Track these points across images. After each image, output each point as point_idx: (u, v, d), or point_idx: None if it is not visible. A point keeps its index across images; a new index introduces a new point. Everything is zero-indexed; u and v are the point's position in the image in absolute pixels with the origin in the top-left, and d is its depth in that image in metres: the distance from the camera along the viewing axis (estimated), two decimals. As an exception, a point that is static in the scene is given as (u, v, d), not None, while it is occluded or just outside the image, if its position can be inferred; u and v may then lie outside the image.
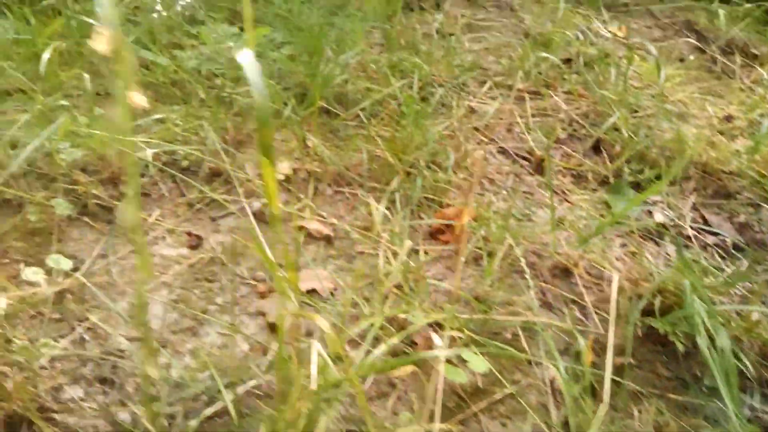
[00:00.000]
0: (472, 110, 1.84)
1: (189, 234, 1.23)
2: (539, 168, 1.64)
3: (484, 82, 1.95)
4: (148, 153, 1.23)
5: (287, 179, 1.44)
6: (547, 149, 1.66)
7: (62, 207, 1.16)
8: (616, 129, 1.73)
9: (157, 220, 1.25)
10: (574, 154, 1.70)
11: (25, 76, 1.54)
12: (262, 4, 2.09)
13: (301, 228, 1.28)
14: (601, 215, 1.49)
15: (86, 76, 1.33)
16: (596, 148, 1.72)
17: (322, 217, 1.35)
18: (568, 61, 2.08)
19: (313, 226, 1.31)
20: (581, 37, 2.17)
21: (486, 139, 1.72)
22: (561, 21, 2.20)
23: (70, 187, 1.22)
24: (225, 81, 1.67)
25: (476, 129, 1.74)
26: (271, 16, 2.07)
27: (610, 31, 2.26)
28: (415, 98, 1.65)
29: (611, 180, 1.62)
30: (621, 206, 1.51)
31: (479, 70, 2.00)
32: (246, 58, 0.50)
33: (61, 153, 1.25)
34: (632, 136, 1.70)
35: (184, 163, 1.37)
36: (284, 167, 1.46)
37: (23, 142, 1.23)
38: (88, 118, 1.32)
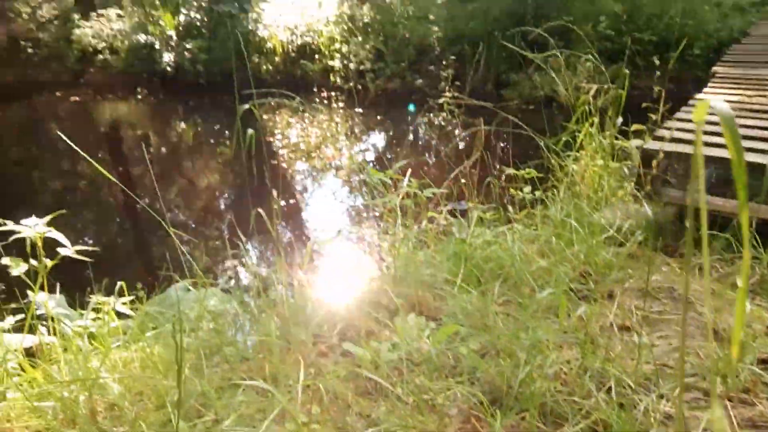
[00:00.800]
0: (669, 417, 1.75)
1: None
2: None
3: (677, 385, 1.88)
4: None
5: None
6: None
7: None
8: None
9: None
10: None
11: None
12: (446, 294, 2.28)
13: None
14: None
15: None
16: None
17: None
18: (764, 361, 1.98)
19: None
20: (772, 336, 2.08)
21: (696, 459, 1.59)
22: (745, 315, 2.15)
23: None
24: (423, 379, 1.77)
25: (681, 444, 1.63)
26: (453, 306, 2.24)
27: (802, 328, 2.16)
28: (616, 409, 1.62)
29: None
30: None
31: (668, 370, 1.95)
32: None
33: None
34: None
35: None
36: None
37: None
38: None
